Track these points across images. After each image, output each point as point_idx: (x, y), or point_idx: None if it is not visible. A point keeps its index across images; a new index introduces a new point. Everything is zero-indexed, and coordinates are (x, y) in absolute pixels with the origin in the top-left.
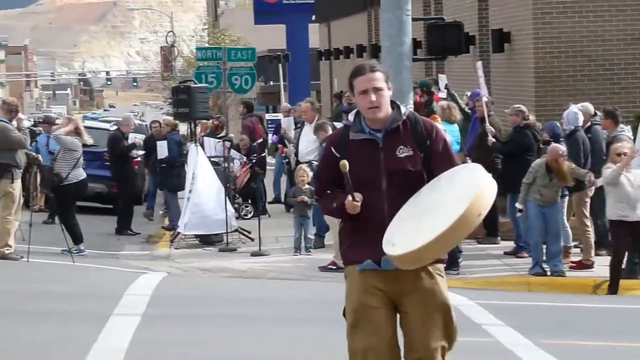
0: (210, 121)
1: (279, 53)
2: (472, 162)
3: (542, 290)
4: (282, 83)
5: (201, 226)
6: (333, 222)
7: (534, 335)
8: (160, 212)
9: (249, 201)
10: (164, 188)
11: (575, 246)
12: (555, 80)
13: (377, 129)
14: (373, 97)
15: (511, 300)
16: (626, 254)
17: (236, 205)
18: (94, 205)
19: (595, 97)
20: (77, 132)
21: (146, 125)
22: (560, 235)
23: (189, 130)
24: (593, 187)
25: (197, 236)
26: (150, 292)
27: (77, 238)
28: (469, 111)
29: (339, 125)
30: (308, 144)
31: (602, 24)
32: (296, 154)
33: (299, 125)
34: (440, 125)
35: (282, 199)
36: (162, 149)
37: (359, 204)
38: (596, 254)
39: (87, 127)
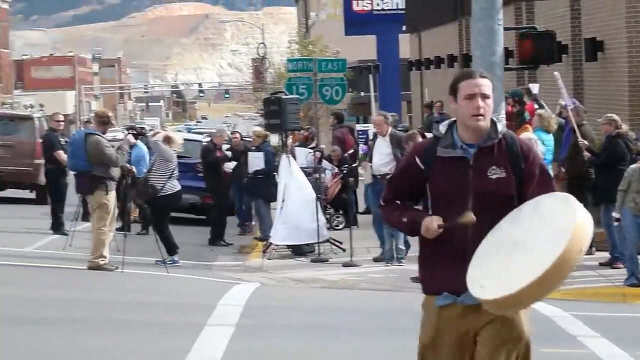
0: (301, 132)
1: (369, 64)
2: (566, 172)
3: (638, 302)
4: (372, 94)
5: (293, 237)
6: None
7: (631, 347)
8: (253, 223)
9: (341, 212)
10: (259, 199)
11: None
12: None
13: (471, 144)
14: (481, 103)
15: (606, 312)
16: None
17: (328, 216)
18: (187, 217)
19: None
20: (168, 140)
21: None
22: None
23: (280, 141)
24: None
25: (289, 247)
26: (243, 302)
27: (171, 249)
28: (563, 120)
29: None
30: (382, 157)
31: None
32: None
33: (371, 139)
34: (532, 135)
35: None
36: (259, 161)
37: (440, 231)
38: None
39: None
